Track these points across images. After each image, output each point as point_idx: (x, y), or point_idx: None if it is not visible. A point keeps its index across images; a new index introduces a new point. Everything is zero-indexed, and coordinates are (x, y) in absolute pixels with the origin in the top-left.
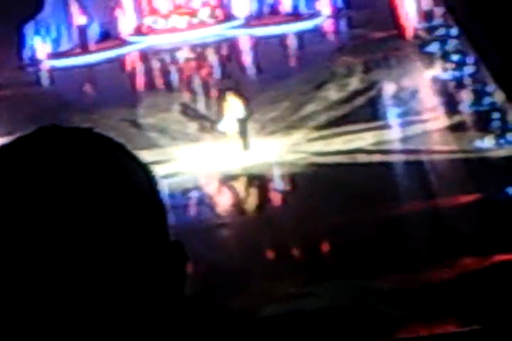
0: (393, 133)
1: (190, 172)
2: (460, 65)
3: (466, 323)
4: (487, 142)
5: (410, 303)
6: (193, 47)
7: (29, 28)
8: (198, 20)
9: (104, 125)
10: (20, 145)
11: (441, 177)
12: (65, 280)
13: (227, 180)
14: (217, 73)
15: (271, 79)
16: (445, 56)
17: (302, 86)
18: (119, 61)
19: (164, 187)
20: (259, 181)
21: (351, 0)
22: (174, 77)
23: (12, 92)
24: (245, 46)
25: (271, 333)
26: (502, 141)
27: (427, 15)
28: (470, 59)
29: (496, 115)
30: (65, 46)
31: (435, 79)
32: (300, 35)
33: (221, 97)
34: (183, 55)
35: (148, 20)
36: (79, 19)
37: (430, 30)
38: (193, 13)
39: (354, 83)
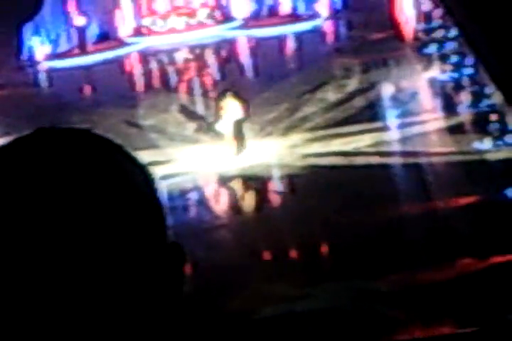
0: (391, 135)
1: (189, 173)
2: (458, 67)
3: (464, 325)
4: (485, 144)
5: (409, 305)
6: (192, 48)
7: (27, 29)
8: (196, 21)
9: (102, 126)
10: (18, 146)
11: (440, 179)
12: (63, 281)
13: (225, 181)
14: (215, 74)
15: (269, 80)
16: (443, 57)
17: (300, 87)
18: (118, 62)
19: (163, 188)
20: (257, 182)
21: (350, 1)
22: (173, 78)
23: (10, 93)
24: (244, 47)
25: (269, 334)
26: (500, 142)
27: (425, 17)
28: (469, 60)
29: (494, 117)
30: (63, 47)
31: (433, 81)
32: (299, 37)
33: (219, 98)
34: (181, 55)
35: (146, 21)
36: (77, 20)
37: (429, 31)
38: (191, 14)
39: (352, 84)
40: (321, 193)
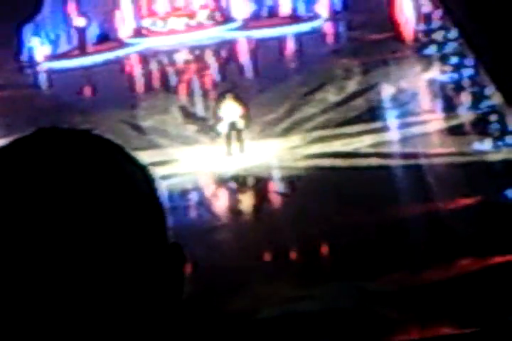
0: (392, 135)
1: (189, 173)
2: (458, 68)
3: (464, 326)
4: (485, 145)
5: (409, 306)
6: (192, 49)
7: (27, 30)
8: (196, 22)
9: (102, 126)
10: (18, 147)
11: (440, 180)
12: (63, 282)
13: (224, 182)
14: (215, 75)
15: (269, 81)
16: (443, 58)
17: (300, 88)
18: (118, 63)
19: (163, 188)
20: (257, 183)
21: (350, 2)
22: (173, 79)
23: (10, 94)
24: (244, 48)
25: (269, 335)
26: (500, 143)
27: (425, 18)
28: (469, 61)
29: (494, 117)
30: (63, 48)
31: (433, 82)
32: (298, 38)
33: (219, 99)
34: (181, 56)
35: (146, 22)
36: (77, 21)
37: (429, 32)
38: (191, 15)
39: (352, 85)
40: (322, 194)
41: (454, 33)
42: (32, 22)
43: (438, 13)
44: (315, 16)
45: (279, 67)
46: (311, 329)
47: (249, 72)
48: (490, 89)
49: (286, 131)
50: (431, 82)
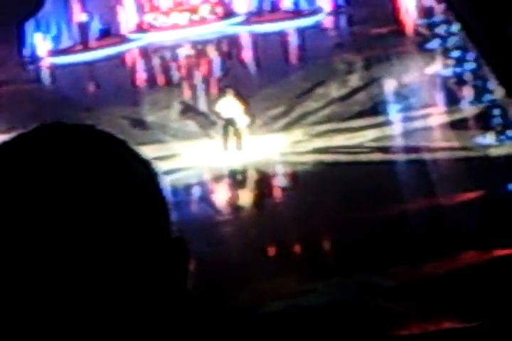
0: (394, 130)
1: (192, 168)
2: (461, 62)
3: (467, 319)
4: (488, 138)
5: (411, 300)
6: (194, 44)
7: (30, 25)
8: (198, 17)
9: (105, 121)
10: (22, 142)
11: (442, 174)
12: (65, 277)
13: (227, 176)
14: (217, 70)
15: (271, 75)
16: (446, 52)
17: (303, 82)
18: (120, 58)
19: (167, 183)
20: (260, 178)
21: None
22: (175, 74)
23: (13, 89)
24: (246, 43)
25: (273, 329)
26: (503, 137)
27: (427, 12)
28: (471, 55)
29: (496, 111)
30: (65, 43)
31: (436, 76)
32: (301, 32)
33: (218, 95)
34: (183, 51)
35: (148, 17)
36: (79, 16)
37: (431, 26)
38: (193, 10)
39: (355, 79)
40: (324, 189)
41: (456, 27)
42: (34, 18)
43: (440, 8)
44: (317, 11)
45: (282, 61)
46: (314, 323)
47: (251, 67)
48: (492, 83)
49: (289, 126)
50: (433, 76)
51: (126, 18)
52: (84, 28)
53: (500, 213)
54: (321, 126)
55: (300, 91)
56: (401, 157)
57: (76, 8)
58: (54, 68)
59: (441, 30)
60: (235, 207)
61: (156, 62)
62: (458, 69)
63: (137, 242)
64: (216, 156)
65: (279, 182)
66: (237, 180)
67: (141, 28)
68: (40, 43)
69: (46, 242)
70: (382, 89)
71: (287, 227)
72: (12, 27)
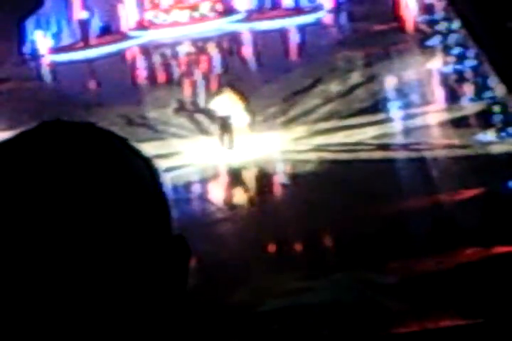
0: (394, 127)
1: (192, 165)
2: (461, 59)
3: (468, 317)
4: (489, 135)
5: (412, 297)
6: (195, 42)
7: (30, 23)
8: (199, 15)
9: (105, 119)
10: (23, 140)
11: (443, 171)
12: (64, 276)
13: (227, 174)
14: (218, 67)
15: (272, 73)
16: (446, 49)
17: (303, 79)
18: (121, 55)
19: (167, 180)
20: (261, 175)
21: None
22: (176, 71)
23: (13, 87)
24: (247, 40)
25: (271, 328)
26: (504, 134)
27: (428, 9)
28: (471, 52)
29: (497, 108)
30: (66, 41)
31: (436, 73)
32: (301, 29)
33: (215, 93)
34: (184, 49)
35: (149, 15)
36: (80, 13)
37: (432, 23)
38: (194, 7)
39: (355, 76)
40: (324, 186)
41: (457, 24)
42: (35, 15)
43: (441, 4)
44: (318, 8)
45: (282, 59)
46: (313, 321)
47: (252, 64)
48: (493, 80)
49: (289, 123)
50: (434, 73)
51: (127, 15)
52: (84, 25)
53: (501, 210)
54: (322, 123)
55: (300, 88)
56: (401, 154)
57: (76, 5)
58: (54, 65)
59: (441, 27)
60: (234, 205)
61: (156, 59)
62: (458, 67)
63: (138, 240)
64: (215, 154)
65: (279, 179)
66: (236, 177)
67: (141, 26)
68: (40, 41)
69: (45, 239)
70: (382, 86)
71: (286, 225)
72: (12, 24)
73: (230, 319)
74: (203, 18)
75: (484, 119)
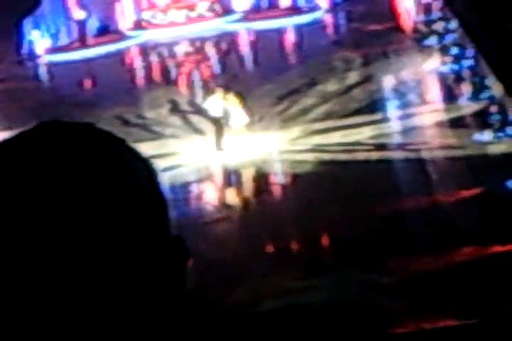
0: (392, 127)
1: (190, 165)
2: (459, 58)
3: (465, 317)
4: (486, 136)
5: (409, 297)
6: (192, 42)
7: (27, 23)
8: (196, 14)
9: (102, 119)
10: (22, 141)
11: (440, 171)
12: (63, 277)
13: (224, 174)
14: (215, 67)
15: (269, 72)
16: (444, 49)
17: (300, 79)
18: (118, 55)
19: (165, 180)
20: (258, 175)
21: None
22: (173, 71)
23: (11, 87)
24: (244, 40)
25: (270, 327)
26: (501, 134)
27: (425, 9)
28: (469, 52)
29: (495, 108)
30: (63, 40)
31: (434, 73)
32: (299, 29)
33: (209, 93)
34: (181, 49)
35: (146, 15)
36: (77, 13)
37: (429, 23)
38: (191, 7)
39: (353, 76)
40: (322, 186)
41: (454, 24)
42: (32, 15)
43: (438, 4)
44: (315, 7)
45: (279, 58)
46: (312, 320)
47: (249, 64)
48: (490, 80)
49: (286, 123)
50: (431, 73)
51: (124, 15)
52: (82, 25)
53: (498, 210)
54: (319, 123)
55: (297, 88)
56: (398, 154)
57: (74, 5)
58: (52, 65)
59: (439, 26)
60: (231, 205)
61: (154, 59)
62: (456, 66)
63: (136, 240)
64: (212, 154)
65: (276, 179)
66: (233, 177)
67: (139, 26)
68: (37, 41)
69: (44, 240)
70: (379, 86)
71: (284, 225)
72: (10, 24)
73: (227, 319)
74: (201, 17)
75: (481, 119)
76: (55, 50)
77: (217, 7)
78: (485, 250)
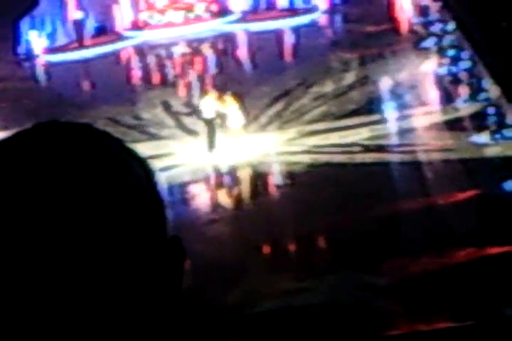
0: (388, 128)
1: (186, 166)
2: (456, 60)
3: (461, 318)
4: (483, 137)
5: (405, 299)
6: (189, 42)
7: (25, 23)
8: (194, 15)
9: (99, 119)
10: (19, 141)
11: (437, 172)
12: (59, 277)
13: (221, 175)
14: (213, 68)
15: (267, 73)
16: (441, 51)
17: (298, 80)
18: (115, 56)
19: (162, 180)
20: (255, 176)
21: None
22: (171, 72)
23: (8, 87)
24: (241, 41)
25: (267, 328)
26: (498, 136)
27: (423, 10)
28: (466, 54)
29: (491, 110)
30: (61, 41)
31: (431, 74)
32: (296, 30)
33: (218, 95)
34: (179, 49)
35: (144, 15)
36: (75, 14)
37: (426, 25)
38: (189, 8)
39: (350, 78)
40: (319, 187)
41: (451, 26)
42: (30, 15)
43: (436, 6)
44: (313, 9)
45: (277, 59)
46: (308, 322)
47: (246, 65)
48: (487, 82)
49: (283, 124)
50: (428, 75)
51: (122, 15)
52: (79, 25)
53: (495, 212)
54: (316, 124)
55: (294, 89)
56: (395, 155)
57: (71, 5)
58: (49, 66)
59: (436, 28)
60: (228, 206)
61: (151, 59)
62: (453, 68)
63: (132, 240)
64: (209, 155)
65: (273, 180)
66: (230, 178)
67: (136, 26)
68: (35, 41)
69: (39, 240)
70: (376, 88)
71: (280, 226)
72: (7, 24)
73: (224, 320)
74: (198, 18)
75: (478, 121)
76: (52, 50)
77: (215, 8)
78: (482, 252)
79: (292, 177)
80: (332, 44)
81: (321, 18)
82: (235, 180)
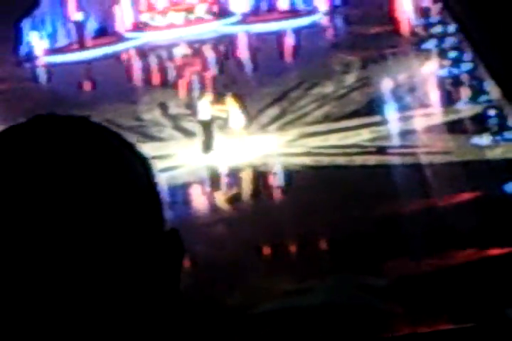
0: (389, 130)
1: (186, 167)
2: (457, 62)
3: (461, 320)
4: (484, 140)
5: (406, 300)
6: (191, 44)
7: (26, 24)
8: (195, 17)
9: (100, 120)
10: (15, 134)
11: (438, 175)
12: (56, 274)
13: (222, 176)
14: (214, 69)
15: (267, 75)
16: (442, 53)
17: (299, 82)
18: (116, 57)
19: (162, 181)
20: (256, 177)
21: None
22: (172, 73)
23: (8, 88)
24: (243, 42)
25: (267, 330)
26: (499, 138)
27: (424, 12)
28: (467, 56)
29: (492, 112)
30: (61, 42)
31: (432, 76)
32: (297, 32)
33: (220, 97)
34: (180, 51)
35: (145, 17)
36: (76, 15)
37: (427, 26)
38: (190, 10)
39: (351, 79)
40: (320, 188)
41: (453, 28)
42: (30, 16)
43: (437, 7)
44: (314, 10)
45: (278, 61)
46: (308, 323)
47: (247, 67)
48: (489, 84)
49: (284, 125)
50: (429, 77)
51: (123, 17)
52: (80, 26)
53: (496, 214)
54: (316, 125)
55: (295, 90)
56: (396, 157)
57: (72, 6)
58: (50, 67)
59: (437, 30)
60: (229, 207)
61: (152, 61)
62: (454, 70)
63: (130, 234)
64: (208, 156)
65: (274, 181)
66: (231, 179)
67: (137, 27)
68: (36, 42)
69: (36, 236)
70: (377, 89)
71: (280, 227)
72: (8, 25)
73: (223, 321)
74: (199, 20)
75: (479, 123)
76: (53, 51)
77: (216, 9)
78: (483, 253)
79: (293, 178)
80: (333, 46)
81: (322, 19)
82: (235, 181)
